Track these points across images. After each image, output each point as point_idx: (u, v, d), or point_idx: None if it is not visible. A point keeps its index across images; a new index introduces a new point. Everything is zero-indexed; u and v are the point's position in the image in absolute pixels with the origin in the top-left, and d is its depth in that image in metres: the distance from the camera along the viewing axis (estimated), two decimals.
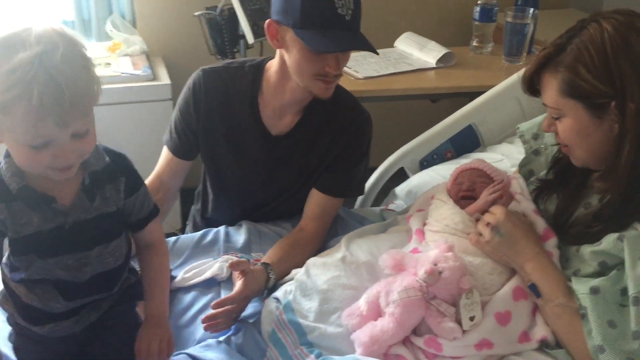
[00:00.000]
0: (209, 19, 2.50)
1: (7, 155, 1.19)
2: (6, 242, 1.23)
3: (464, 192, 1.56)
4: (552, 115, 1.38)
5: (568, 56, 1.31)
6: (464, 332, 1.32)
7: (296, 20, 1.49)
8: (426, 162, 2.20)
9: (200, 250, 1.71)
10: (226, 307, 1.42)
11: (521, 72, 2.25)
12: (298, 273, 1.52)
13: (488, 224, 1.41)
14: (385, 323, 1.32)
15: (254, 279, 1.49)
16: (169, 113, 1.92)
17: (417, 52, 2.77)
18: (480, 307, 1.33)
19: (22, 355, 1.35)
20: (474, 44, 2.87)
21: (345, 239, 1.60)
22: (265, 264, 1.56)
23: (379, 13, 3.18)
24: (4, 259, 1.27)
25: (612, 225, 1.31)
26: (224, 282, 1.58)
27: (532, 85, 1.42)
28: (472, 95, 2.46)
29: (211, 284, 1.58)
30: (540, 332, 1.35)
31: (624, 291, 1.25)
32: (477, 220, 1.46)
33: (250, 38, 2.40)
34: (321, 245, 1.72)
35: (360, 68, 2.57)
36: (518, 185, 1.56)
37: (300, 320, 1.39)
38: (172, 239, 1.73)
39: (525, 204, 1.51)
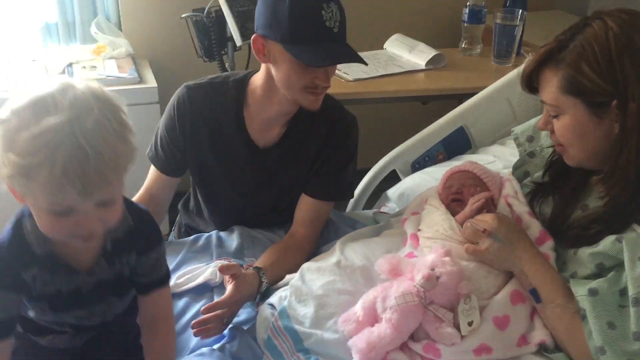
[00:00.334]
0: (196, 21, 2.46)
1: (31, 214, 1.13)
2: None
3: (453, 195, 1.55)
4: (549, 113, 1.37)
5: (571, 53, 1.29)
6: (462, 337, 1.30)
7: (284, 34, 1.48)
8: (418, 165, 2.19)
9: (192, 255, 1.68)
10: (216, 312, 1.40)
11: (512, 73, 2.28)
12: (293, 278, 1.50)
13: (484, 231, 1.39)
14: (382, 329, 1.30)
15: (245, 283, 1.47)
16: (156, 116, 1.88)
17: (406, 54, 2.77)
18: (479, 312, 1.32)
19: (22, 358, 1.31)
20: (463, 45, 2.87)
21: (340, 243, 1.58)
22: (257, 268, 1.54)
23: (368, 15, 3.17)
24: None
25: (610, 227, 1.31)
26: (217, 287, 1.55)
27: (530, 82, 1.40)
28: (462, 97, 2.45)
29: (204, 289, 1.56)
30: (538, 335, 1.34)
31: (623, 292, 1.24)
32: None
33: (238, 40, 2.37)
34: (313, 250, 1.70)
35: (350, 70, 2.56)
36: (512, 187, 1.55)
37: (296, 327, 1.38)
38: None
39: (519, 206, 1.50)
